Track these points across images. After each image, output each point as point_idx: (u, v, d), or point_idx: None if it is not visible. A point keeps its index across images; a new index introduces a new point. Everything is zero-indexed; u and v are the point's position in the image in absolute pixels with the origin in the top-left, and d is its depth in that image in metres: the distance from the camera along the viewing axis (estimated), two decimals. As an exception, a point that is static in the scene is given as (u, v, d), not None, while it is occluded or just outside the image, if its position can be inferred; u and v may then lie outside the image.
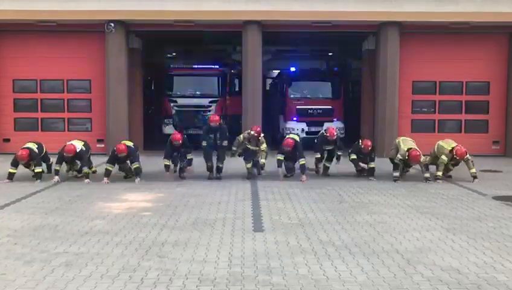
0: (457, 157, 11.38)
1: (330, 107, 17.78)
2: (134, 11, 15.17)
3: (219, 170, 11.89)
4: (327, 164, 12.36)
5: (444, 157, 11.40)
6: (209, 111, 16.85)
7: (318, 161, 12.34)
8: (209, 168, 11.91)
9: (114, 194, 9.78)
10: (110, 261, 5.82)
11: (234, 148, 12.00)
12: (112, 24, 15.38)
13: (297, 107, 17.71)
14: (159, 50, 21.63)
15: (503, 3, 15.22)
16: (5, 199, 9.15)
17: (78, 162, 11.47)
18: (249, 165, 11.72)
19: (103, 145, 15.79)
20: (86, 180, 11.16)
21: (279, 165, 11.61)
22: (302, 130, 17.08)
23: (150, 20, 15.50)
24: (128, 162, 11.60)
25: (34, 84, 16.36)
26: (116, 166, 11.70)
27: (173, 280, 5.23)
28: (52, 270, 5.49)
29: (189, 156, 11.74)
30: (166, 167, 11.51)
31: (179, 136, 11.72)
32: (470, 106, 16.57)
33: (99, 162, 14.12)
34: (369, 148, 11.84)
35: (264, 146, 11.73)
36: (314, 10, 15.10)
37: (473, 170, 11.40)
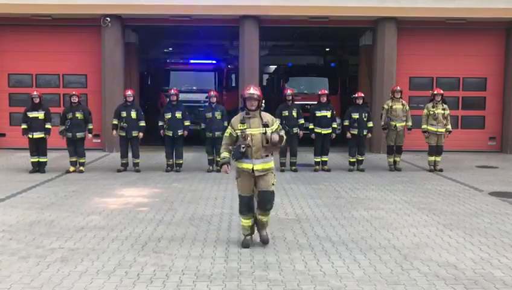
0: (435, 92, 12.20)
1: None
2: (130, 5, 15.06)
3: (218, 163, 12.06)
4: (324, 158, 12.38)
5: (425, 110, 12.28)
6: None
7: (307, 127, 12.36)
8: (210, 162, 12.11)
9: (110, 190, 9.74)
10: (106, 256, 5.79)
11: (224, 155, 6.34)
12: (108, 18, 15.30)
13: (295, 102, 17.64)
14: (155, 45, 21.53)
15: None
16: (0, 194, 9.09)
17: (78, 115, 11.60)
18: (248, 222, 6.34)
19: (99, 141, 15.71)
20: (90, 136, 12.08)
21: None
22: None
23: (146, 14, 15.41)
24: (132, 114, 11.86)
25: (29, 78, 16.24)
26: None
27: (169, 276, 5.21)
28: (48, 266, 5.46)
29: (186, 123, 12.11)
30: (161, 126, 12.03)
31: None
32: (466, 101, 16.55)
33: (95, 158, 14.09)
34: (362, 98, 12.37)
35: (276, 123, 6.38)
36: (312, 5, 15.04)
37: (449, 127, 12.21)
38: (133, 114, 11.89)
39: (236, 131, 6.22)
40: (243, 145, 6.09)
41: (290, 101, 12.28)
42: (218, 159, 11.96)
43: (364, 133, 12.27)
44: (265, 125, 6.17)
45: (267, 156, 6.23)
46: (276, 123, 6.31)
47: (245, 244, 6.25)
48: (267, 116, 6.30)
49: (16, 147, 15.02)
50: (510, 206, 8.56)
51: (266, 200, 6.23)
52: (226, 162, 6.33)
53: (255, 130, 6.17)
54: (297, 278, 5.17)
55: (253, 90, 6.28)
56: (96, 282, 5.02)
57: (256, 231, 6.43)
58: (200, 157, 13.44)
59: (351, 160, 12.38)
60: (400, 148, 12.48)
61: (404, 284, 5.05)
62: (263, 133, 6.15)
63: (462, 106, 16.49)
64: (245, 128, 6.15)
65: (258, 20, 15.59)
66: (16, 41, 16.06)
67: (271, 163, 6.30)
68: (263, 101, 6.41)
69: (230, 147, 6.31)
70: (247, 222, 6.31)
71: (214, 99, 12.11)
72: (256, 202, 6.32)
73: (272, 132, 6.17)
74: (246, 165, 6.16)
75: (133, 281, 5.05)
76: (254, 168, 6.14)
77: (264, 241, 6.32)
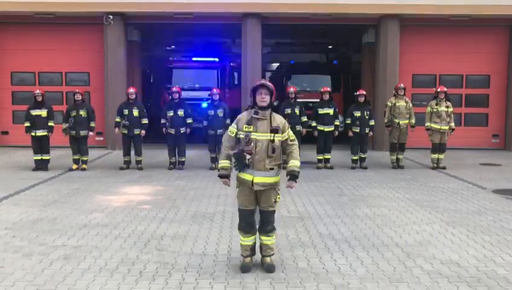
0: (439, 90, 12.21)
1: None
2: (133, 3, 15.09)
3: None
4: (327, 156, 12.36)
5: (428, 108, 12.27)
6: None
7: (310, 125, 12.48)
8: (212, 159, 12.11)
9: (113, 187, 9.75)
10: (109, 254, 5.79)
11: (224, 165, 5.45)
12: (111, 16, 15.31)
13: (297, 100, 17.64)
14: (158, 43, 21.54)
15: (504, -4, 15.17)
16: (3, 192, 9.11)
17: (81, 113, 11.66)
18: (248, 240, 5.37)
19: (102, 139, 15.74)
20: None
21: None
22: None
23: (149, 12, 15.42)
24: (134, 112, 11.85)
25: (32, 76, 16.29)
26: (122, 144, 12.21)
27: (172, 273, 5.21)
28: (51, 264, 5.46)
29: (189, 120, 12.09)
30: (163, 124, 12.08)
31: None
32: (469, 99, 16.53)
33: (98, 156, 14.11)
34: (364, 96, 12.27)
35: (288, 131, 5.33)
36: (314, 2, 15.03)
37: (452, 124, 12.17)
38: (136, 112, 11.90)
39: (240, 133, 5.18)
40: (249, 157, 5.07)
41: (293, 99, 12.28)
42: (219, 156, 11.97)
43: (366, 131, 12.23)
44: (274, 131, 5.11)
45: (272, 169, 5.15)
46: (288, 131, 5.22)
47: (244, 268, 5.22)
48: (278, 120, 5.22)
49: (19, 145, 15.07)
50: (513, 204, 8.54)
51: (265, 221, 5.29)
52: (226, 175, 5.36)
53: (261, 135, 5.12)
54: (299, 276, 5.16)
55: (265, 81, 5.34)
56: (99, 279, 5.03)
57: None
58: (202, 155, 13.44)
59: (354, 158, 12.37)
60: (402, 145, 12.46)
61: (407, 281, 5.04)
62: (270, 140, 5.10)
63: (465, 104, 16.46)
64: (250, 132, 5.12)
65: (261, 17, 15.58)
66: (18, 40, 16.10)
67: (275, 178, 5.22)
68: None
69: (231, 153, 5.22)
70: (246, 241, 5.31)
71: (217, 97, 12.10)
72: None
73: (289, 180, 5.24)
74: (246, 175, 5.18)
75: (136, 279, 5.05)
76: (254, 181, 5.13)
77: (268, 269, 5.24)
